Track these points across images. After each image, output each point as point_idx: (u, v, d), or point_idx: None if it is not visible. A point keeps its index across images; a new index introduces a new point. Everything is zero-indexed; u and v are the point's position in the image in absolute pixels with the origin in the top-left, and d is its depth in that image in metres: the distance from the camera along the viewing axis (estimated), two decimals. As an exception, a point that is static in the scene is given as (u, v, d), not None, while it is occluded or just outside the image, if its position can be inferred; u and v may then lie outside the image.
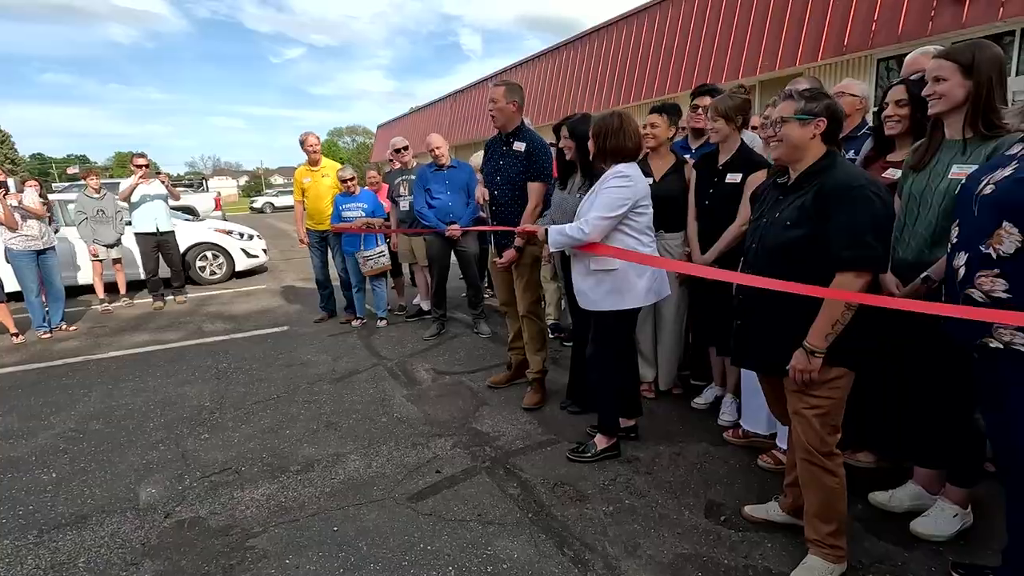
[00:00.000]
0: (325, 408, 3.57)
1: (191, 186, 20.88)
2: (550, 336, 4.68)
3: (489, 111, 3.39)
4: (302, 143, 5.42)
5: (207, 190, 20.59)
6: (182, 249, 7.54)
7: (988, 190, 1.54)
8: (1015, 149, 1.59)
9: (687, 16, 10.96)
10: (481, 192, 3.52)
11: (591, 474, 2.68)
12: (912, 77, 2.30)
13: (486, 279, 6.02)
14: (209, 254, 8.29)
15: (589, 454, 2.78)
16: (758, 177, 2.65)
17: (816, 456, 1.86)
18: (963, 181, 1.70)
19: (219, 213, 16.90)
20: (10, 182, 5.49)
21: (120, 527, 2.41)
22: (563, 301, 4.75)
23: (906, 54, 8.06)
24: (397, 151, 5.49)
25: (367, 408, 3.54)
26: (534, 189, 3.34)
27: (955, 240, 1.63)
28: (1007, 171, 1.52)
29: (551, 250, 2.65)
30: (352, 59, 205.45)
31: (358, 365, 4.38)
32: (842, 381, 1.80)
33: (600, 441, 2.80)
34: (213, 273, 8.30)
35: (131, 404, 3.76)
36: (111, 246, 6.64)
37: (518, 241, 3.27)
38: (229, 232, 8.59)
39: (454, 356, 4.54)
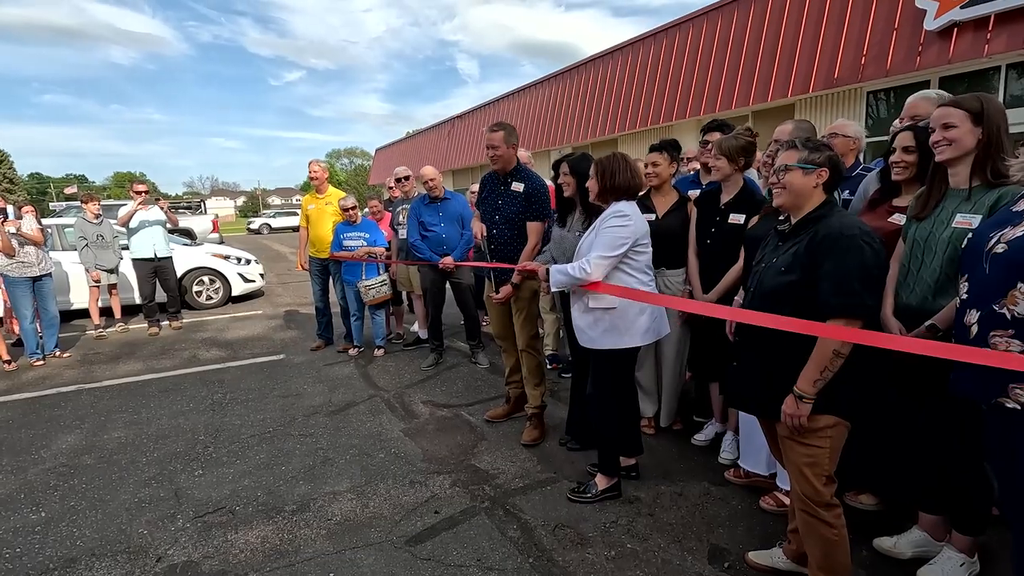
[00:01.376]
0: (321, 442, 3.53)
1: (189, 208, 20.88)
2: (548, 367, 4.67)
3: (489, 156, 3.41)
4: (309, 171, 5.49)
5: (205, 212, 20.62)
6: (179, 274, 7.55)
7: (1000, 248, 1.53)
8: (1022, 205, 1.59)
9: (681, 47, 11.20)
10: (479, 228, 3.52)
11: (592, 515, 2.64)
12: (920, 124, 2.32)
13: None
14: (206, 279, 8.26)
15: (590, 494, 2.74)
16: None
17: (811, 507, 1.85)
18: (969, 235, 1.71)
19: (216, 235, 16.91)
20: (9, 209, 5.49)
21: (110, 572, 2.35)
22: (561, 331, 4.74)
23: (895, 87, 8.23)
24: (399, 180, 5.53)
25: (364, 443, 3.50)
26: (533, 228, 3.37)
27: (965, 296, 1.63)
28: (1018, 230, 1.51)
29: (552, 289, 2.65)
30: (350, 82, 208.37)
31: (355, 397, 4.34)
32: (834, 431, 1.80)
33: (601, 481, 2.77)
34: (209, 298, 8.27)
35: (124, 437, 3.70)
36: (111, 271, 6.63)
37: (516, 278, 3.28)
38: (226, 257, 8.57)
39: (452, 388, 4.51)
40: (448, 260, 4.25)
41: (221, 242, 14.63)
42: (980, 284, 1.58)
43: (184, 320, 7.18)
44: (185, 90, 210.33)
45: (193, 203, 22.39)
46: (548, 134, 15.67)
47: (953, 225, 1.90)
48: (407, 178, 5.50)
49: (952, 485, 2.08)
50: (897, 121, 2.68)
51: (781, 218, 1.96)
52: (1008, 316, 1.48)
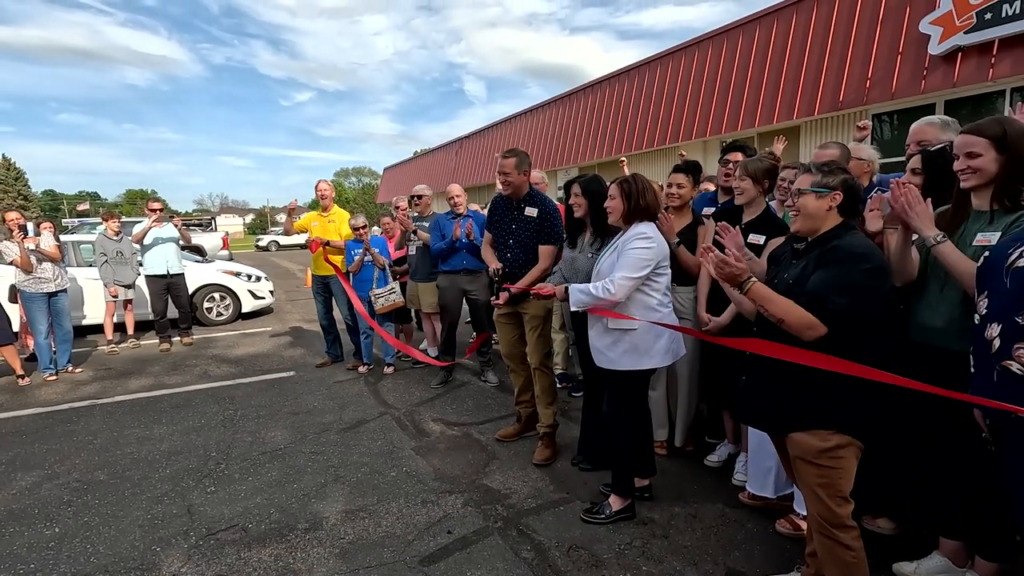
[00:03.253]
0: (333, 460, 3.53)
1: (200, 225, 21.15)
2: (558, 387, 4.66)
3: (500, 182, 3.45)
4: (316, 190, 5.57)
5: (215, 229, 20.86)
6: (190, 290, 7.62)
7: (1022, 263, 1.54)
8: None
9: (687, 70, 11.36)
10: (494, 261, 3.54)
11: (606, 536, 2.62)
12: (930, 148, 2.35)
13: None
14: (216, 295, 8.33)
15: (603, 515, 2.73)
16: (778, 242, 2.69)
17: (828, 529, 1.84)
18: (986, 252, 1.71)
19: (226, 252, 17.08)
20: (29, 225, 5.59)
21: (124, 589, 2.35)
22: (571, 350, 4.75)
23: (900, 110, 8.29)
24: (417, 198, 5.59)
25: (375, 461, 3.50)
26: (546, 252, 3.41)
27: (984, 312, 1.63)
28: None
29: (573, 308, 2.66)
30: (359, 103, 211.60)
31: (365, 414, 4.35)
32: (846, 451, 1.80)
33: (615, 502, 2.75)
34: (220, 314, 8.33)
35: (137, 453, 3.71)
36: (129, 286, 6.72)
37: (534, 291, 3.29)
38: (237, 274, 8.66)
39: (462, 406, 4.50)
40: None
41: (231, 259, 14.77)
42: (1002, 298, 1.58)
43: (195, 336, 7.23)
44: (198, 110, 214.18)
45: (203, 220, 22.69)
46: (555, 154, 15.83)
47: (973, 244, 1.92)
48: (420, 197, 5.56)
49: (974, 509, 2.06)
50: (906, 147, 2.72)
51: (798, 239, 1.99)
52: None
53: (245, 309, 8.56)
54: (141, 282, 6.84)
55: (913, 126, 2.77)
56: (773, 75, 9.43)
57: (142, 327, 7.44)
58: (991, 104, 7.17)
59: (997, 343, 1.57)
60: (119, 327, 6.88)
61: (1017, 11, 6.38)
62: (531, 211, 3.45)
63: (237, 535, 2.72)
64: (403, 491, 3.11)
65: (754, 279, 1.84)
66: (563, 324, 4.67)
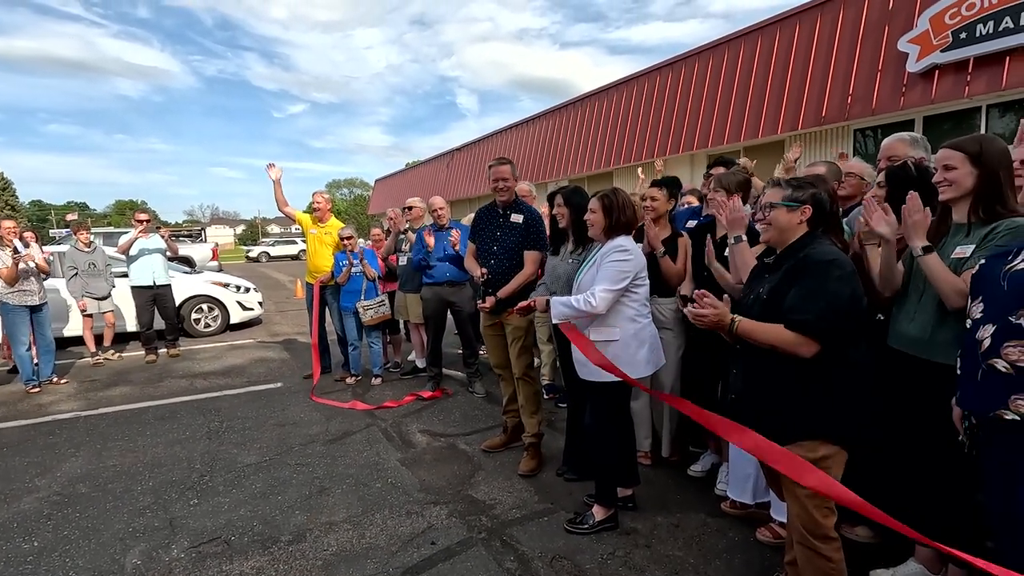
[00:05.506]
0: (318, 472, 3.52)
1: (190, 236, 21.03)
2: (545, 397, 4.68)
3: (499, 188, 3.51)
4: (312, 201, 5.61)
5: (204, 240, 20.75)
6: (178, 302, 7.58)
7: (1022, 266, 1.57)
8: None
9: (674, 85, 11.54)
10: (478, 269, 3.58)
11: (589, 546, 2.64)
12: (891, 164, 2.44)
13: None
14: (204, 306, 8.29)
15: (587, 525, 2.74)
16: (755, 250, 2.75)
17: (810, 540, 1.87)
18: (982, 261, 1.75)
19: (216, 263, 16.99)
20: (17, 243, 5.52)
21: (103, 603, 2.33)
22: (558, 361, 4.78)
23: (881, 125, 8.47)
24: (408, 209, 5.62)
25: (360, 473, 3.49)
26: (532, 257, 3.46)
27: (979, 315, 1.64)
28: None
29: (555, 321, 2.70)
30: (352, 115, 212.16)
31: (352, 425, 4.34)
32: (833, 460, 1.83)
33: (598, 512, 2.77)
34: (208, 326, 8.28)
35: (119, 465, 3.68)
36: (102, 299, 6.64)
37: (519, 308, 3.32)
38: (225, 285, 8.62)
39: (449, 417, 4.51)
40: (490, 300, 3.52)
41: (220, 270, 14.70)
42: (996, 300, 1.60)
43: (182, 347, 7.18)
44: (190, 121, 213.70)
45: (193, 231, 22.56)
46: (545, 167, 15.97)
47: (952, 256, 1.98)
48: (410, 208, 5.58)
49: (947, 517, 2.10)
50: (878, 162, 2.81)
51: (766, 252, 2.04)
52: None
53: (233, 320, 8.52)
54: (126, 293, 6.79)
55: (885, 142, 2.86)
56: (758, 91, 9.62)
57: (124, 339, 7.38)
58: (971, 120, 7.36)
59: (988, 342, 1.59)
60: (101, 339, 6.80)
61: (991, 31, 6.58)
62: (517, 217, 3.51)
63: (220, 548, 2.71)
64: (388, 502, 3.10)
65: (739, 319, 1.88)
66: (551, 335, 4.71)
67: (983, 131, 7.12)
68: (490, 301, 3.41)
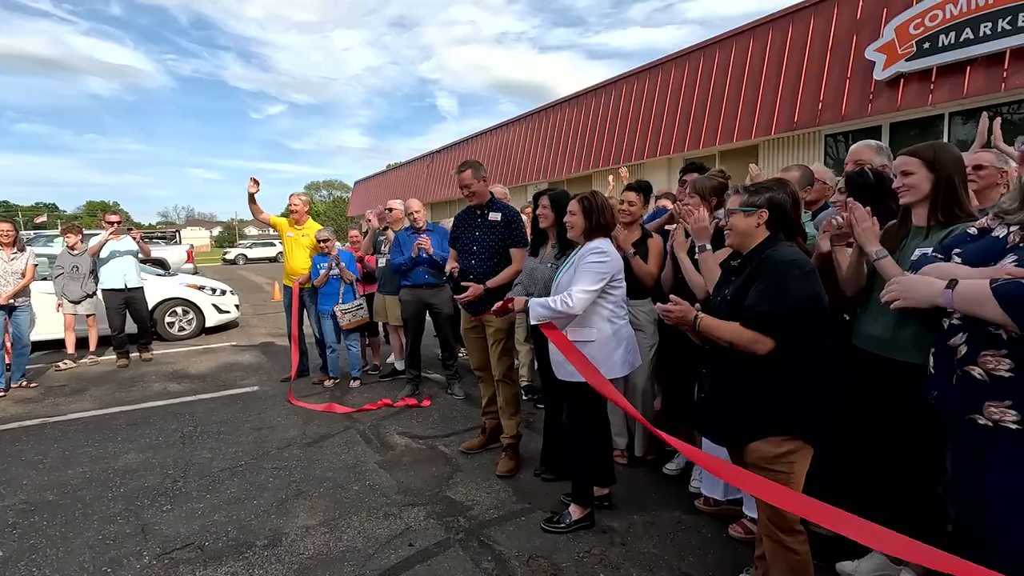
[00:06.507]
0: (295, 475, 3.49)
1: (163, 238, 20.58)
2: (524, 398, 4.71)
3: (464, 194, 3.56)
4: (289, 203, 5.55)
5: (179, 242, 20.35)
6: (151, 305, 7.44)
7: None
8: (999, 232, 1.67)
9: (652, 90, 11.71)
10: (454, 268, 3.61)
11: (566, 545, 2.67)
12: (852, 170, 2.54)
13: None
14: (179, 310, 8.13)
15: (563, 524, 2.77)
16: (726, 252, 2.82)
17: (777, 533, 1.93)
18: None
19: (191, 266, 16.68)
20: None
21: (71, 611, 2.28)
22: (536, 362, 4.81)
23: (851, 131, 8.71)
24: (390, 211, 5.60)
25: (338, 475, 3.47)
26: (517, 254, 3.49)
27: (957, 321, 1.66)
28: (1007, 261, 1.57)
29: (532, 322, 2.73)
30: (331, 117, 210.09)
31: (330, 428, 4.31)
32: (798, 455, 1.89)
33: (574, 511, 2.80)
34: (182, 329, 8.13)
35: (89, 472, 3.60)
36: (76, 302, 6.49)
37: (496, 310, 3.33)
38: (200, 287, 8.48)
39: (428, 419, 4.51)
40: (476, 288, 3.46)
41: (195, 272, 14.43)
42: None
43: (155, 351, 7.04)
44: (165, 121, 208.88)
45: (167, 233, 22.10)
46: (525, 169, 16.04)
47: (912, 258, 2.06)
48: (391, 210, 5.56)
49: (909, 507, 2.19)
50: (845, 166, 2.90)
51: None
52: (1004, 336, 1.52)
53: (209, 323, 8.38)
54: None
55: (852, 148, 2.96)
56: (733, 96, 9.81)
57: (104, 342, 7.19)
58: (934, 127, 7.62)
59: (964, 349, 1.62)
60: (82, 343, 6.65)
61: (952, 41, 6.83)
62: (495, 216, 3.54)
63: (193, 554, 2.67)
64: (365, 505, 3.10)
65: (701, 316, 1.96)
66: (528, 336, 4.74)
67: (946, 138, 7.38)
68: (475, 288, 3.41)
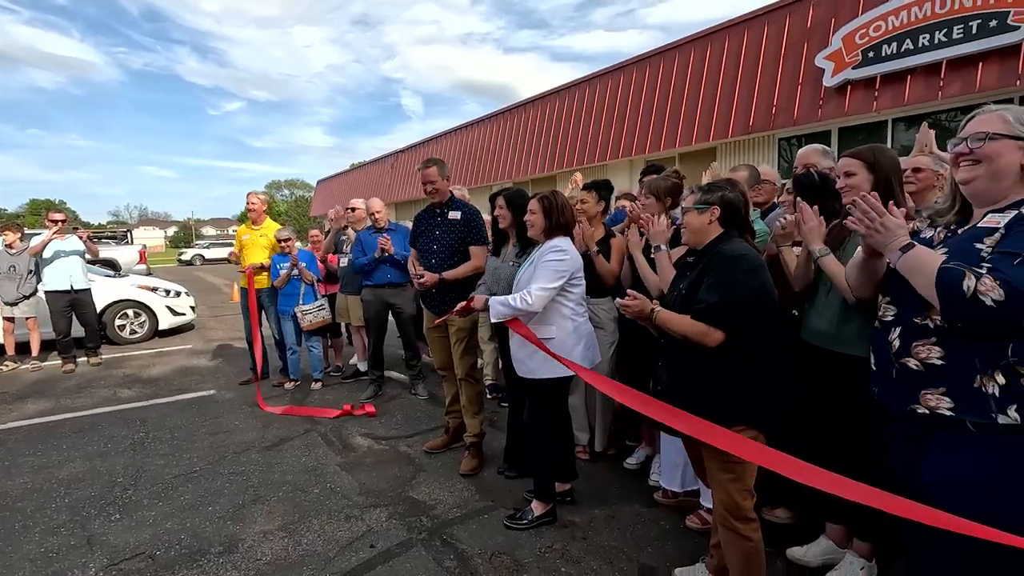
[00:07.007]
0: (253, 480, 3.41)
1: (114, 238, 19.72)
2: (488, 397, 4.73)
3: (427, 191, 3.56)
4: (247, 202, 5.40)
5: (131, 242, 19.52)
6: (100, 307, 7.13)
7: None
8: (926, 234, 1.76)
9: (614, 92, 11.89)
10: (415, 268, 3.60)
11: (528, 541, 2.69)
12: (799, 171, 2.65)
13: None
14: (130, 312, 7.81)
15: (525, 521, 2.80)
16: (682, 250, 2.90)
17: (731, 521, 2.00)
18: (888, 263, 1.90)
19: (144, 267, 16.03)
20: None
21: (10, 628, 2.18)
22: (500, 361, 4.83)
23: (803, 135, 9.04)
24: (352, 210, 5.51)
25: (298, 479, 3.41)
26: (477, 252, 3.50)
27: (890, 317, 1.73)
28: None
29: (492, 320, 2.74)
30: (293, 115, 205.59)
31: (290, 431, 4.22)
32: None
33: (537, 507, 2.83)
34: (134, 332, 7.81)
35: (30, 483, 3.43)
36: (12, 303, 6.16)
37: (459, 310, 3.33)
38: (153, 289, 8.17)
39: (391, 420, 4.47)
40: (432, 276, 3.49)
41: (149, 273, 13.89)
42: (905, 304, 1.70)
43: (105, 356, 6.74)
44: (115, 116, 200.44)
45: (118, 233, 21.18)
46: (489, 170, 16.04)
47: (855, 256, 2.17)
48: (353, 209, 5.48)
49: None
50: (795, 169, 3.03)
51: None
52: (931, 325, 1.60)
53: (163, 326, 8.08)
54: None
55: (799, 152, 3.09)
56: (692, 99, 10.06)
57: (49, 346, 6.85)
58: (879, 132, 7.99)
59: (898, 343, 1.69)
60: (23, 347, 6.31)
61: (894, 51, 7.18)
62: (455, 214, 3.55)
63: (143, 564, 2.58)
64: (326, 508, 3.05)
65: (658, 309, 2.03)
66: (492, 335, 4.75)
67: (889, 142, 7.75)
68: (431, 277, 3.41)
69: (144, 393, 5.34)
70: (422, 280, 3.44)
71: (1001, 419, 1.44)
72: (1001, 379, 1.45)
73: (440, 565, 2.51)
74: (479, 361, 4.69)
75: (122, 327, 7.73)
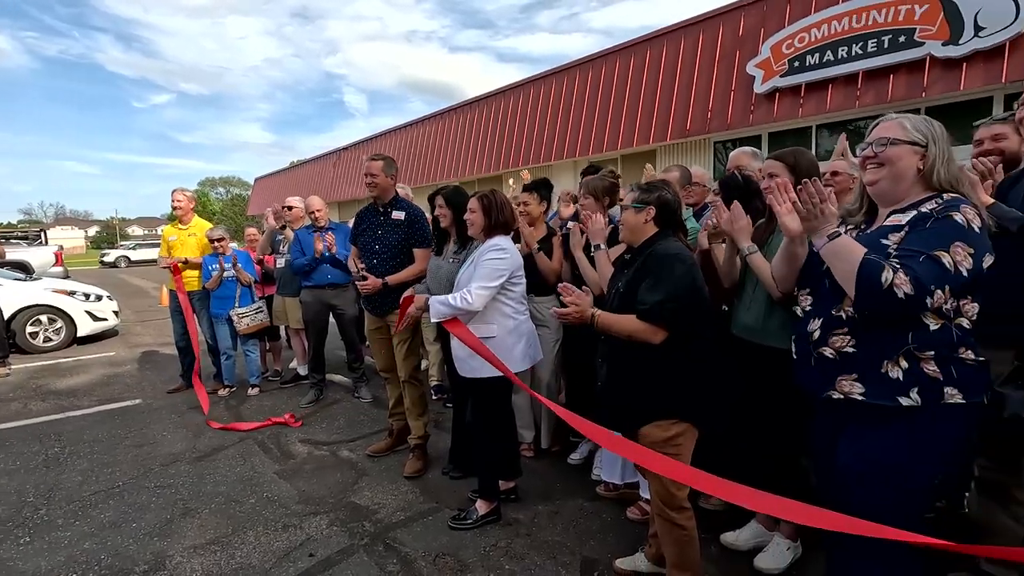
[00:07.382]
0: (182, 493, 3.23)
1: (25, 238, 18.19)
2: (433, 398, 4.69)
3: (368, 184, 3.47)
4: (172, 200, 5.10)
5: (46, 243, 18.06)
6: (8, 313, 6.60)
7: None
8: (852, 234, 1.84)
9: (558, 94, 12.07)
10: (356, 265, 3.52)
11: (472, 541, 2.68)
12: (727, 174, 2.78)
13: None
14: (44, 318, 7.24)
15: (470, 521, 2.79)
16: (620, 248, 2.97)
17: (666, 511, 2.07)
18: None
19: (60, 269, 14.87)
20: None
21: None
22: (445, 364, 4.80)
23: (737, 139, 9.50)
24: (287, 208, 5.30)
25: (232, 490, 3.26)
26: (421, 255, 3.45)
27: (808, 308, 1.85)
28: None
29: (432, 320, 2.71)
30: (227, 110, 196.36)
31: (224, 440, 4.03)
32: (683, 438, 2.04)
33: (481, 506, 2.83)
34: (48, 339, 7.24)
35: (-77, 508, 3.11)
36: None
37: (408, 319, 3.26)
38: (71, 292, 7.60)
39: (333, 424, 4.35)
40: (375, 281, 3.37)
41: (66, 276, 12.91)
42: (821, 296, 1.82)
43: (14, 366, 6.21)
44: (26, 107, 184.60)
45: (31, 232, 19.54)
46: (433, 169, 15.91)
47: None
48: (290, 208, 5.29)
49: (778, 479, 2.42)
50: (727, 171, 3.17)
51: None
52: (844, 316, 1.70)
53: (82, 333, 7.53)
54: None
55: (731, 154, 3.24)
56: (632, 103, 10.35)
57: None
58: (806, 137, 8.50)
59: (817, 334, 1.79)
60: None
61: (817, 62, 7.66)
62: (398, 214, 3.48)
63: (57, 588, 2.40)
64: (262, 518, 2.93)
65: (599, 313, 2.07)
66: (437, 336, 4.71)
67: (813, 147, 8.25)
68: (374, 281, 3.32)
69: (60, 405, 4.95)
70: (365, 284, 3.35)
71: (904, 401, 1.56)
72: (904, 363, 1.57)
73: (383, 570, 2.47)
74: (424, 362, 4.64)
75: (34, 334, 7.15)
